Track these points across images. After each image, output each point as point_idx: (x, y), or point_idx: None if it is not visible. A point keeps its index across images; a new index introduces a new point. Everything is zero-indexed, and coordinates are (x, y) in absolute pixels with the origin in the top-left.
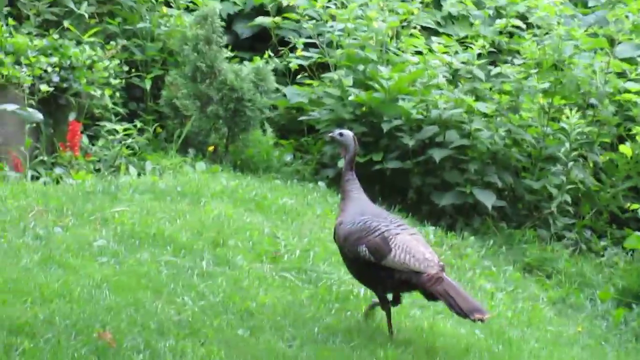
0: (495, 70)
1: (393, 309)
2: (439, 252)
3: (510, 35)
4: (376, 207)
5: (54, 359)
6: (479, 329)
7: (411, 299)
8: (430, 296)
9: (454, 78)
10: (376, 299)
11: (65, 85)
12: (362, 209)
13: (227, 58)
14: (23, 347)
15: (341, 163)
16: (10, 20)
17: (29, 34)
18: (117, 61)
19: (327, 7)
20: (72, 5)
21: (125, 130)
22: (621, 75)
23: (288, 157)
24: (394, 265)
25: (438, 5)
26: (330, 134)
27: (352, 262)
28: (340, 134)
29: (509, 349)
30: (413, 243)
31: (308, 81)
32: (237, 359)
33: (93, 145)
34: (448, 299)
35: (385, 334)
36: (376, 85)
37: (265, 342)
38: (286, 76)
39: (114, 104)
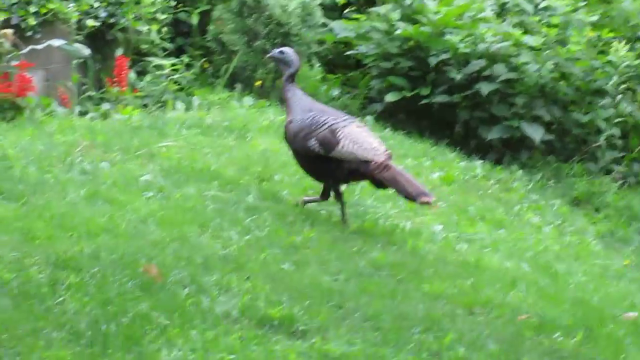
0: (543, 3)
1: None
2: (487, 185)
3: None
4: (321, 105)
5: (99, 293)
6: (525, 263)
7: (457, 233)
8: (379, 183)
9: (502, 11)
10: (312, 197)
11: (112, 20)
12: (308, 107)
13: None
14: (69, 282)
15: (389, 97)
16: None
17: None
18: None
19: None
20: None
21: (172, 65)
22: None
23: (335, 92)
24: (342, 155)
25: None
26: (269, 54)
27: (302, 158)
28: (281, 52)
29: (556, 282)
30: (360, 133)
31: (355, 15)
32: (283, 293)
33: (140, 80)
34: (396, 185)
35: (432, 267)
36: (423, 19)
37: (311, 276)
38: (333, 11)
39: (161, 39)
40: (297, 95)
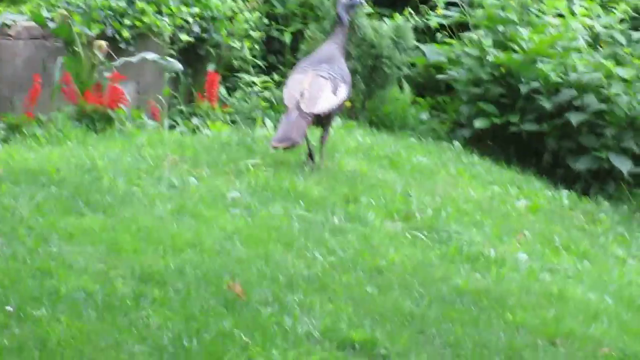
0: (636, 35)
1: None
2: (573, 216)
3: None
4: (325, 54)
5: (182, 308)
6: (609, 295)
7: (541, 263)
8: None
9: (595, 42)
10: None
11: (205, 35)
12: (310, 56)
13: (367, 14)
14: (153, 296)
15: (478, 123)
16: None
17: None
18: (257, 14)
19: None
20: None
21: (263, 82)
22: None
23: (424, 116)
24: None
25: None
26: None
27: None
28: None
29: (639, 316)
30: (297, 81)
31: (447, 40)
32: (365, 316)
33: (230, 96)
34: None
35: (515, 296)
36: (515, 47)
37: (393, 300)
38: (425, 34)
39: (253, 56)
40: (321, 47)
